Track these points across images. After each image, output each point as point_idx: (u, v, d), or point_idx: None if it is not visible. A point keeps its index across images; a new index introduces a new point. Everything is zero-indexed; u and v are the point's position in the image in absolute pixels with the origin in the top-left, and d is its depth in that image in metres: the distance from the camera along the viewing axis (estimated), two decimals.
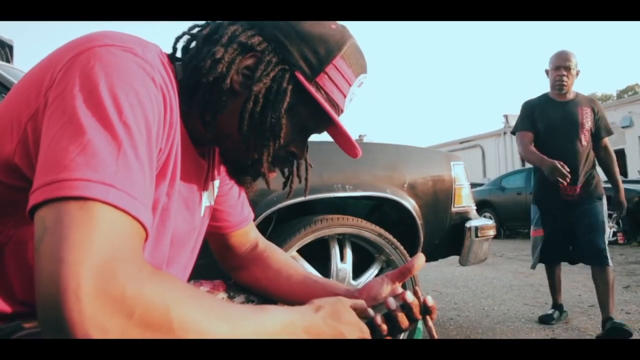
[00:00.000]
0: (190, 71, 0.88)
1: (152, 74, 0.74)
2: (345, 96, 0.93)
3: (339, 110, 0.94)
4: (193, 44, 0.93)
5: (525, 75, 60.55)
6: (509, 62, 59.59)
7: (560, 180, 3.29)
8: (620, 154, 19.18)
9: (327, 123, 0.95)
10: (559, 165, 3.31)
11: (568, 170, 3.31)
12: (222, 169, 1.12)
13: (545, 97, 3.82)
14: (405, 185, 2.68)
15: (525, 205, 12.26)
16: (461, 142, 28.54)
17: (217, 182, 1.12)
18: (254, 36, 0.88)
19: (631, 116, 19.05)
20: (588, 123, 3.64)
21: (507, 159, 25.20)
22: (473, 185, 18.32)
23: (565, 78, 3.65)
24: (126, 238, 0.61)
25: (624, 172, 17.03)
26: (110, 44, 0.72)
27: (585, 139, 3.61)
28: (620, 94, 38.34)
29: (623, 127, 19.19)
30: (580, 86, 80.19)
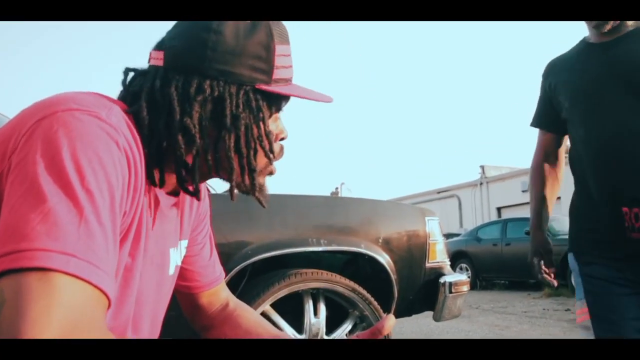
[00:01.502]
0: (164, 148, 0.87)
1: (116, 138, 0.74)
2: (291, 65, 0.95)
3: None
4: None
5: (502, 126, 61.86)
6: (486, 113, 60.97)
7: (545, 279, 1.93)
8: None
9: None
10: (535, 263, 1.96)
11: (552, 270, 1.94)
12: (196, 224, 1.13)
13: (581, 44, 1.84)
14: (380, 240, 2.69)
15: (501, 256, 12.33)
16: (438, 192, 28.83)
17: (184, 242, 1.12)
18: (200, 84, 0.87)
19: None
20: None
21: (483, 209, 25.47)
22: (449, 235, 18.42)
23: None
24: (87, 309, 0.60)
25: None
26: (75, 108, 0.73)
27: None
28: None
29: None
30: None
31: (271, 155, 0.93)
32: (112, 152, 0.72)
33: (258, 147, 0.91)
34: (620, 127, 1.61)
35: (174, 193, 0.98)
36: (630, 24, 1.65)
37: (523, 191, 23.29)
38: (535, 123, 2.00)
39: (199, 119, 0.87)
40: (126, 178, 0.76)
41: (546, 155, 2.00)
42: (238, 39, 0.89)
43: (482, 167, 26.72)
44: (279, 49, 0.91)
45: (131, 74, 0.93)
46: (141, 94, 0.88)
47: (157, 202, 0.93)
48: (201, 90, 0.87)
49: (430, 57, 57.37)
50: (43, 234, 0.60)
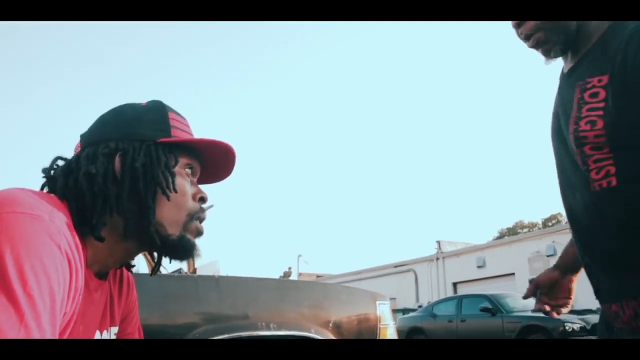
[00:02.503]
0: (87, 206, 0.91)
1: (58, 241, 0.76)
2: (192, 134, 1.07)
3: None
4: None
5: (458, 202, 63.27)
6: (443, 188, 62.45)
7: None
8: None
9: (198, 155, 1.06)
10: (530, 281, 1.66)
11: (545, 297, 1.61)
12: (125, 313, 1.14)
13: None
14: (331, 324, 2.68)
15: (456, 333, 12.30)
16: (395, 266, 28.88)
17: (115, 329, 1.11)
18: (106, 146, 0.97)
19: (554, 245, 19.97)
20: (595, 123, 1.17)
21: (439, 284, 25.57)
22: (405, 310, 18.38)
23: (535, 29, 1.27)
24: None
25: None
26: (19, 212, 0.74)
27: (593, 157, 1.18)
28: (545, 223, 40.39)
29: (548, 256, 20.02)
30: (505, 216, 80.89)
31: (170, 191, 0.96)
32: (55, 257, 0.74)
33: (158, 190, 0.96)
34: (564, 181, 1.35)
35: (100, 275, 1.00)
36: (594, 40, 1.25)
37: (478, 267, 23.60)
38: None
39: (104, 167, 0.94)
40: (67, 280, 0.77)
41: None
42: (134, 109, 1.03)
43: (439, 242, 27.05)
44: (172, 115, 1.04)
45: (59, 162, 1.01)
46: (60, 172, 0.96)
47: (86, 285, 0.93)
48: (107, 147, 0.97)
49: (389, 134, 59.00)
50: None
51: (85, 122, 1.06)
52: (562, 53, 1.30)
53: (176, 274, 3.24)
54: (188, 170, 1.03)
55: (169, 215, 0.97)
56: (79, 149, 1.01)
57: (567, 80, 1.31)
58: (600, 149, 1.16)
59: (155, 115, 1.02)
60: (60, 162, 1.00)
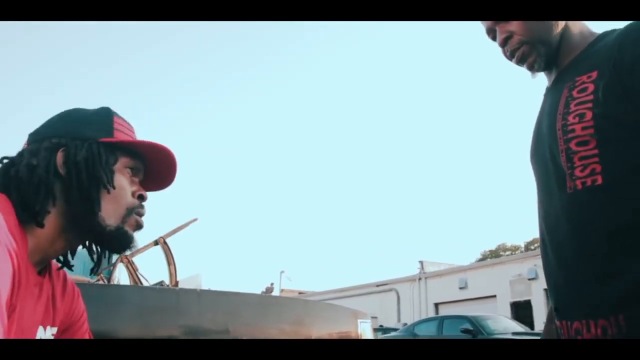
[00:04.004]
0: (24, 193, 0.96)
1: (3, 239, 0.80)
2: (134, 138, 1.13)
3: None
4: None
5: (441, 223, 63.52)
6: (426, 208, 62.67)
7: None
8: (527, 305, 19.93)
9: (141, 158, 1.11)
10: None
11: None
12: (70, 322, 1.15)
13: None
14: None
15: None
16: (377, 285, 28.84)
17: (54, 329, 1.11)
18: (50, 142, 1.02)
19: (536, 269, 20.08)
20: (583, 116, 1.15)
21: (421, 304, 25.56)
22: (387, 330, 18.30)
23: (514, 41, 1.31)
24: None
25: (530, 324, 17.56)
26: None
27: (580, 169, 1.16)
28: (528, 246, 40.62)
29: (529, 279, 20.12)
30: (488, 238, 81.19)
31: (109, 186, 1.02)
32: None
33: (100, 184, 1.01)
34: (543, 205, 1.32)
35: (41, 268, 1.02)
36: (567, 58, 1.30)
37: (460, 288, 23.65)
38: None
39: (46, 160, 0.99)
40: (9, 273, 0.80)
41: None
42: (82, 111, 1.09)
43: (421, 263, 27.08)
44: (117, 119, 1.10)
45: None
46: (2, 167, 1.02)
47: (27, 279, 0.95)
48: (50, 143, 1.02)
49: (375, 154, 59.27)
50: None
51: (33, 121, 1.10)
52: (546, 66, 1.32)
53: (157, 286, 3.21)
54: (129, 170, 1.08)
55: (108, 208, 1.03)
56: (26, 146, 1.05)
57: (553, 89, 1.31)
58: (587, 144, 1.14)
59: (100, 117, 1.09)
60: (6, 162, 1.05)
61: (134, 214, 1.07)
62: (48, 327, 1.06)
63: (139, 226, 1.09)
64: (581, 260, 1.16)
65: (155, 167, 1.14)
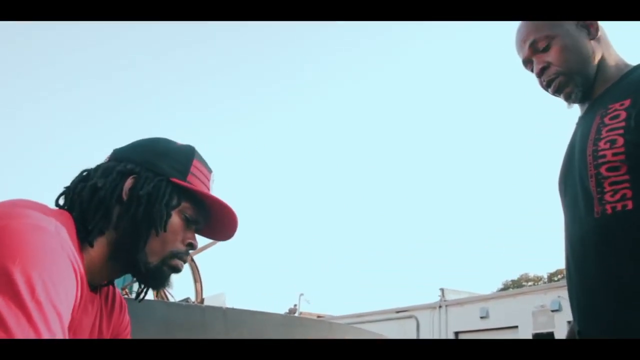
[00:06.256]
0: (91, 212, 0.98)
1: (64, 251, 0.82)
2: (209, 187, 1.13)
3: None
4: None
5: (463, 251, 62.72)
6: (448, 237, 61.97)
7: None
8: (549, 337, 19.47)
9: (205, 212, 1.12)
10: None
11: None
12: (116, 331, 1.17)
13: None
14: None
15: None
16: (397, 312, 28.48)
17: None
18: (126, 165, 1.05)
19: (560, 300, 19.67)
20: (615, 142, 1.18)
21: (441, 332, 25.15)
22: None
23: (551, 72, 1.34)
24: None
25: None
26: (27, 223, 0.79)
27: (610, 193, 1.18)
28: (551, 277, 39.84)
29: (553, 311, 19.71)
30: (510, 267, 79.78)
31: (160, 229, 1.02)
32: (61, 265, 0.80)
33: (151, 223, 1.01)
34: (569, 230, 1.32)
35: (92, 287, 1.04)
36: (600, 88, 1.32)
37: (481, 317, 23.21)
38: None
39: (114, 184, 1.01)
40: (74, 288, 0.83)
41: None
42: (167, 145, 1.10)
43: (442, 290, 26.71)
44: (197, 163, 1.11)
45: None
46: (77, 179, 1.05)
47: (86, 306, 0.99)
48: (125, 167, 1.04)
49: (397, 178, 59.08)
50: None
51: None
52: (583, 96, 1.33)
53: (184, 302, 3.25)
54: (188, 216, 1.08)
55: (153, 246, 1.03)
56: (107, 160, 1.09)
57: (585, 117, 1.34)
58: (617, 170, 1.16)
59: (181, 156, 1.10)
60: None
61: (175, 258, 1.07)
62: None
63: (177, 270, 1.09)
64: (605, 284, 1.17)
65: (216, 219, 1.15)
